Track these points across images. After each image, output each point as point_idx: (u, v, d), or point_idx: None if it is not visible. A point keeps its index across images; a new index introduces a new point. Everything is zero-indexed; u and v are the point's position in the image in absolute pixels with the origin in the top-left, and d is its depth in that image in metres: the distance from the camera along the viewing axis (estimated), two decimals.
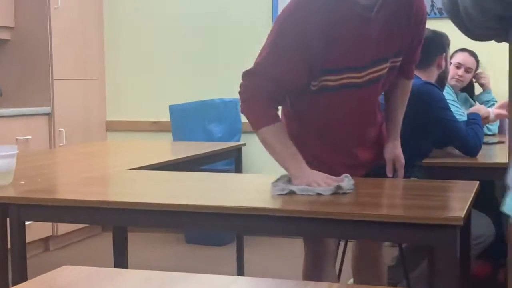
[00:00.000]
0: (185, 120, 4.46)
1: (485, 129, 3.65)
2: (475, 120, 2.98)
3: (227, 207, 1.77)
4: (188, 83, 4.78)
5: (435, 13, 4.27)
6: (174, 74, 4.82)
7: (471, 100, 3.77)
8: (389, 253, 3.57)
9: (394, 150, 2.32)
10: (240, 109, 2.14)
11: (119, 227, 3.18)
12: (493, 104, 3.73)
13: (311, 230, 1.82)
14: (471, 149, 2.85)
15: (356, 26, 2.05)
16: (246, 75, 2.10)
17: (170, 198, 1.91)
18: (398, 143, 2.34)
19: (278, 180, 1.97)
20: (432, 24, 3.52)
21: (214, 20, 4.73)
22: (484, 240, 3.05)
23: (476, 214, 2.90)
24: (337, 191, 1.87)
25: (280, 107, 2.20)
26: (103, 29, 4.91)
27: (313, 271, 2.32)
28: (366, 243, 2.44)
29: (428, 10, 4.28)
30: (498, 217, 3.28)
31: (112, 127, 4.92)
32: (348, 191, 1.89)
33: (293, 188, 1.90)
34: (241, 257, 3.51)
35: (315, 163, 2.09)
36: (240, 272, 3.50)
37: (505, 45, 1.70)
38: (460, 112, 3.25)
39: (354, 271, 2.53)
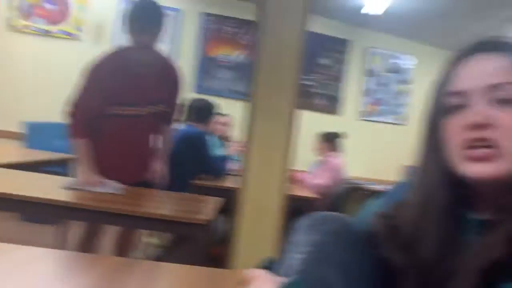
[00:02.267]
0: (36, 134, 4.02)
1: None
2: (224, 157, 3.19)
3: (51, 200, 1.65)
4: (42, 107, 4.28)
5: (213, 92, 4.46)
6: (35, 99, 4.34)
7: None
8: (164, 237, 3.62)
9: (160, 167, 2.34)
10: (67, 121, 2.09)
11: None
12: None
13: (116, 221, 1.76)
14: (219, 174, 3.08)
15: (132, 76, 2.13)
16: (73, 105, 2.08)
17: (12, 190, 1.68)
18: (163, 163, 2.36)
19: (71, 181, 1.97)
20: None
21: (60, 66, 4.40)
22: (222, 232, 3.20)
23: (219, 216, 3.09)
24: (101, 191, 1.88)
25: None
26: None
27: (86, 242, 2.28)
28: (125, 231, 2.43)
29: (227, 93, 4.51)
30: (230, 217, 3.48)
31: None
32: (116, 193, 1.89)
33: (76, 186, 1.89)
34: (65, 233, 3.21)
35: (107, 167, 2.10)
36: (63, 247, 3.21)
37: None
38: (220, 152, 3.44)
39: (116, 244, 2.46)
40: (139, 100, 2.15)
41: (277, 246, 1.91)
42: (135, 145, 2.23)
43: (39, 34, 4.38)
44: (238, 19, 4.54)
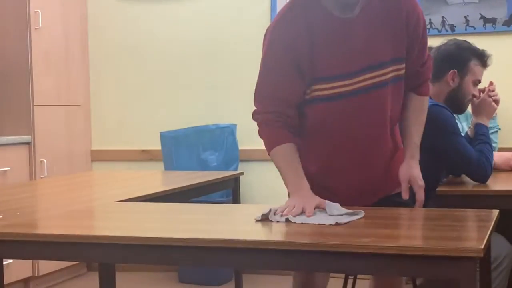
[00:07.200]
0: (177, 148, 4.41)
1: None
2: (484, 138, 2.92)
3: (225, 241, 1.69)
4: (180, 109, 4.72)
5: (446, 30, 4.31)
6: (164, 99, 4.77)
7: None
8: None
9: (410, 170, 2.19)
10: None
11: (106, 265, 3.10)
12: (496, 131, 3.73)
13: (316, 264, 1.72)
14: (482, 177, 2.85)
15: (338, 30, 2.07)
16: (254, 99, 2.17)
17: (161, 232, 1.85)
18: (414, 162, 2.21)
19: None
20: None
21: (208, 42, 4.69)
22: (501, 262, 3.00)
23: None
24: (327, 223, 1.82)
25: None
26: (88, 51, 4.87)
27: None
28: (383, 281, 2.33)
29: (439, 27, 4.35)
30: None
31: (98, 156, 4.86)
32: (343, 222, 1.82)
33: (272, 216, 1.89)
34: None
35: (316, 189, 2.07)
36: None
37: None
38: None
39: None
40: (353, 67, 2.08)
41: None
42: (362, 142, 2.15)
43: None
44: None
